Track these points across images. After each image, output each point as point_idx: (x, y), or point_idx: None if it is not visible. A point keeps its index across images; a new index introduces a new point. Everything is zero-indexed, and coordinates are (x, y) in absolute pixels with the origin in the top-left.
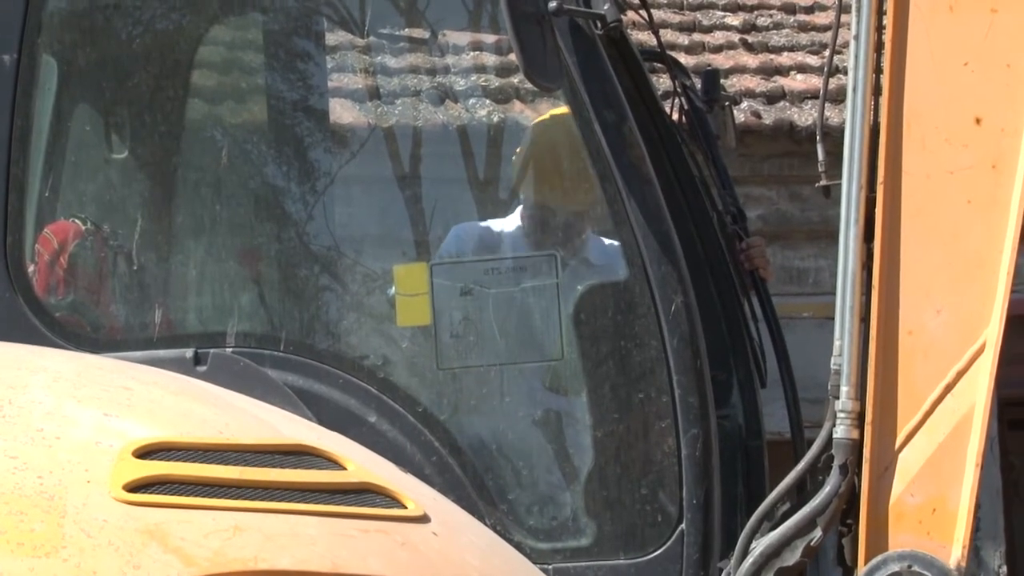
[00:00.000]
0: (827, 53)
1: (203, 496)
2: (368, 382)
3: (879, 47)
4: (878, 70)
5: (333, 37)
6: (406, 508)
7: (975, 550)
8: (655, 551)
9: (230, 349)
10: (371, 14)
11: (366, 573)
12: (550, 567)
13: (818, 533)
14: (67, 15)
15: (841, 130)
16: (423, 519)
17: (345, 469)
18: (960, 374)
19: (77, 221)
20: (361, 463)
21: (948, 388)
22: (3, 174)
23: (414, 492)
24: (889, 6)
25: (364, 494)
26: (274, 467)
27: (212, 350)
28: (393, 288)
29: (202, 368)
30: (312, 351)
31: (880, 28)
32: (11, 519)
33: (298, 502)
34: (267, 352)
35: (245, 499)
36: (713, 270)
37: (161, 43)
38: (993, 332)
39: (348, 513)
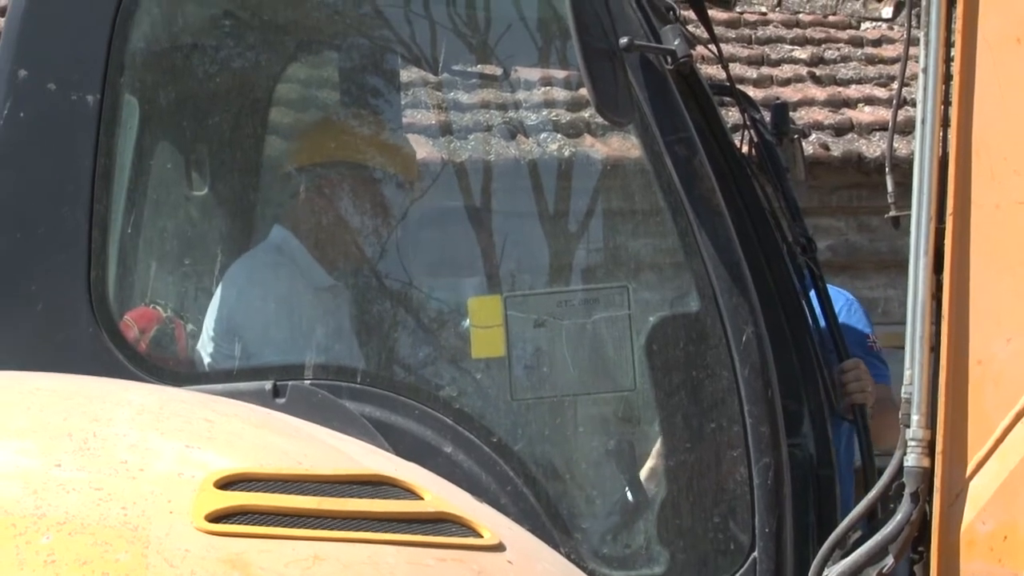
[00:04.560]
0: (895, 85)
1: (283, 526)
2: (444, 413)
3: (947, 79)
4: (946, 102)
5: (406, 74)
6: (482, 537)
7: None
8: None
9: (308, 381)
10: (443, 51)
11: None
12: None
13: (890, 561)
14: (148, 55)
15: (909, 161)
16: (499, 548)
17: (422, 499)
18: None
19: (157, 308)
20: (437, 493)
21: (1019, 416)
22: (87, 212)
23: (490, 521)
24: (957, 39)
25: (441, 523)
26: (352, 497)
27: (291, 382)
28: (468, 321)
29: (281, 400)
30: (388, 383)
31: (948, 60)
32: (96, 549)
33: (376, 531)
34: (344, 384)
35: (324, 529)
36: (783, 301)
37: (239, 81)
38: None
39: (425, 542)
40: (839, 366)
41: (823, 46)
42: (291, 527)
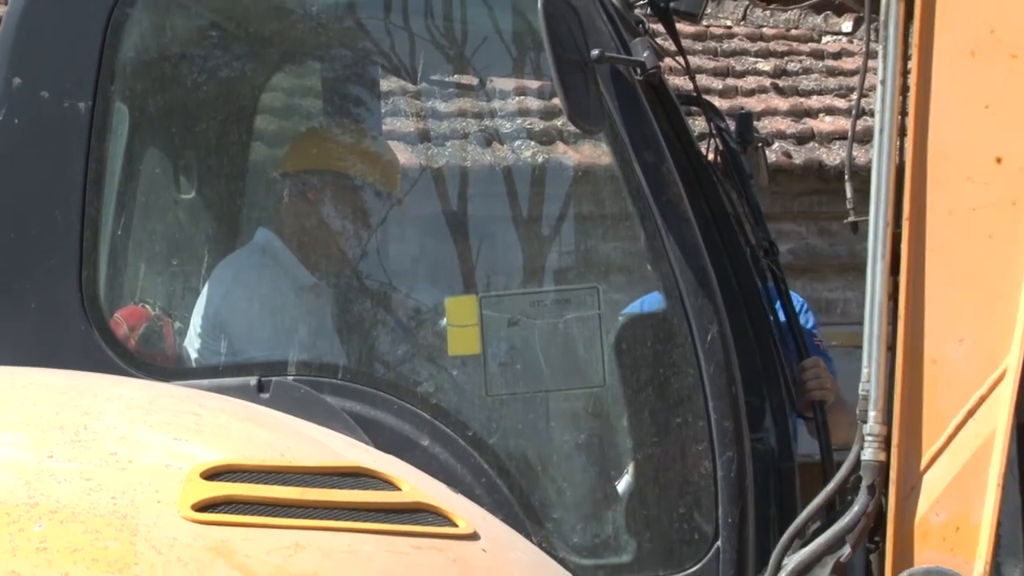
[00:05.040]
0: (855, 96)
1: (266, 515)
2: (421, 408)
3: (904, 90)
4: (903, 112)
5: (386, 83)
6: (457, 526)
7: (996, 566)
8: (692, 568)
9: (291, 377)
10: (422, 62)
11: None
12: None
13: (847, 550)
14: (137, 64)
15: (868, 169)
16: (473, 537)
17: (400, 490)
18: (982, 400)
19: (146, 306)
20: (415, 484)
21: (970, 413)
22: (78, 214)
23: (465, 511)
24: (914, 52)
25: (417, 513)
26: (333, 488)
27: (274, 378)
28: (444, 320)
29: (265, 395)
30: (369, 379)
31: (905, 73)
32: (86, 537)
33: (355, 521)
34: (326, 380)
35: (306, 518)
36: (747, 302)
37: (225, 90)
38: (1013, 360)
39: (402, 531)
40: (799, 364)
41: (786, 58)
42: (274, 516)
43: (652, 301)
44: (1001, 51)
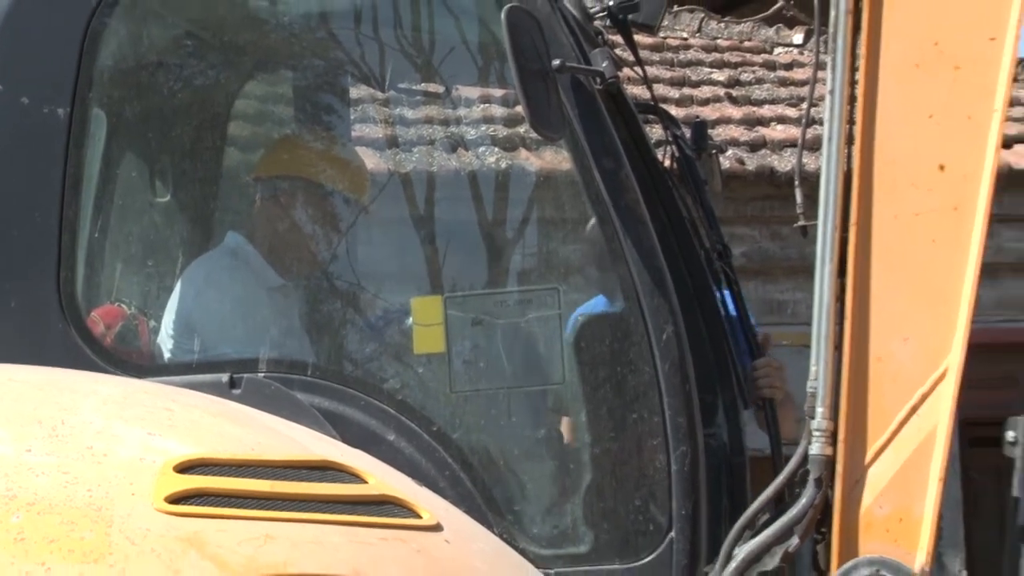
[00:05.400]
0: (805, 106)
1: (237, 507)
2: (387, 404)
3: (852, 100)
4: (851, 121)
5: (356, 91)
6: (421, 518)
7: (938, 556)
8: (647, 557)
9: (262, 374)
10: (391, 70)
11: None
12: (552, 572)
13: (795, 540)
14: (115, 72)
15: (817, 176)
16: (437, 528)
17: (366, 483)
18: (924, 397)
19: (122, 305)
20: (381, 477)
21: (913, 410)
22: (57, 217)
23: (429, 504)
24: (861, 63)
25: (383, 505)
26: (302, 481)
27: (246, 375)
28: (411, 319)
29: (237, 392)
30: (337, 376)
31: (853, 83)
32: (63, 528)
33: (323, 513)
34: (296, 377)
35: (275, 510)
36: (701, 303)
37: (200, 97)
38: (955, 359)
39: (369, 523)
40: (752, 363)
41: (739, 69)
42: (245, 508)
43: (599, 303)
44: (945, 63)
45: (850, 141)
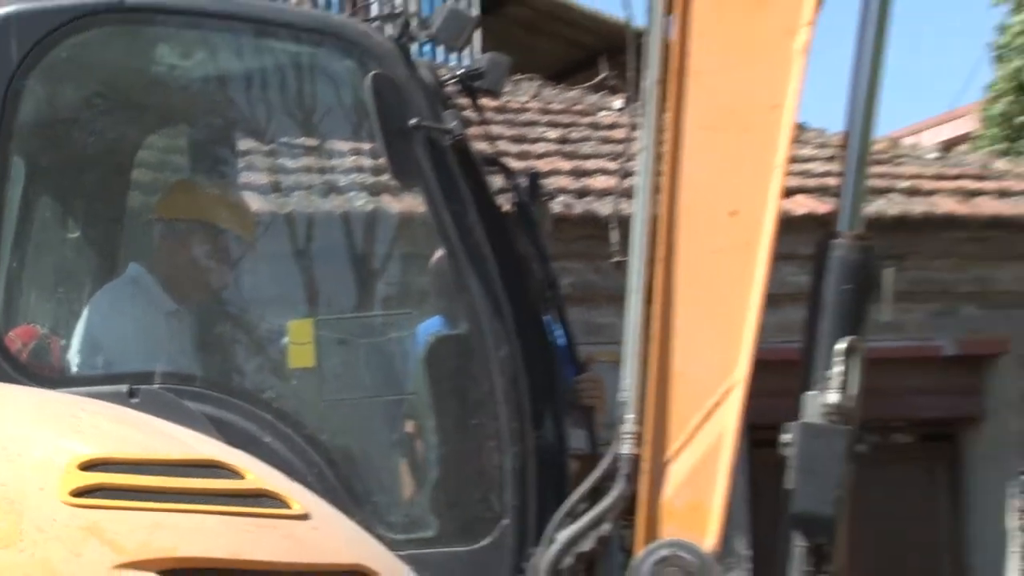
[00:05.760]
0: (622, 160)
1: (133, 500)
2: (265, 411)
3: (660, 156)
4: (659, 173)
5: (244, 144)
6: (292, 508)
7: (726, 539)
8: (484, 541)
9: (157, 386)
10: (274, 125)
11: (258, 558)
12: (404, 553)
13: (607, 526)
14: (33, 126)
15: (630, 219)
16: (305, 517)
17: (244, 478)
18: (716, 405)
19: (37, 326)
20: (257, 474)
21: (707, 416)
22: None
23: (299, 496)
24: (668, 126)
25: (259, 498)
26: (189, 477)
27: (143, 387)
28: (286, 338)
29: (135, 401)
30: (222, 387)
31: (660, 142)
32: None
33: (207, 504)
34: (186, 388)
35: (166, 502)
36: (533, 326)
37: (108, 148)
38: (741, 374)
39: (246, 512)
40: (575, 377)
41: (569, 129)
42: (139, 501)
43: (435, 322)
44: (735, 127)
45: (657, 190)
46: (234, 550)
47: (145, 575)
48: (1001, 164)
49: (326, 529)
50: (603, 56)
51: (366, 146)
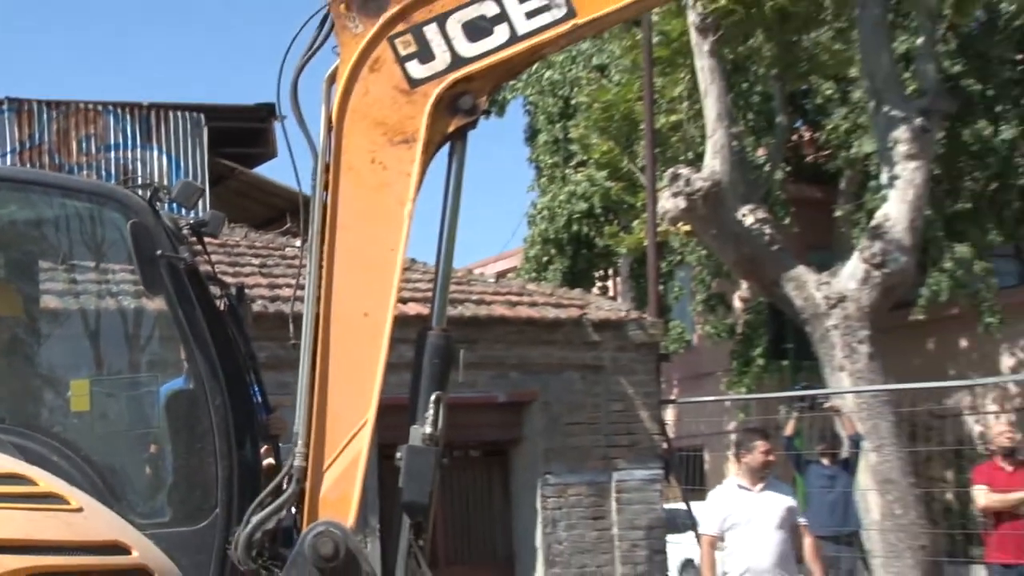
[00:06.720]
0: (298, 280)
1: None
2: (54, 440)
3: (320, 280)
4: (320, 287)
5: (44, 263)
6: (71, 504)
7: (363, 518)
8: (203, 523)
9: None
10: (69, 251)
11: (43, 538)
12: (148, 533)
13: (284, 512)
14: None
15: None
16: (79, 510)
17: (37, 485)
18: (356, 434)
19: None
20: (47, 481)
21: (350, 440)
22: None
23: (76, 495)
24: (325, 259)
25: (48, 498)
26: None
27: None
28: (70, 391)
29: None
30: (23, 423)
31: (321, 267)
32: None
33: (8, 503)
34: None
35: None
36: (238, 384)
37: None
38: (372, 413)
39: (36, 508)
40: (267, 416)
41: (267, 258)
42: None
43: (179, 381)
44: (367, 262)
45: (319, 300)
46: (26, 532)
47: None
48: (532, 287)
49: (94, 518)
50: (289, 213)
51: (130, 267)
